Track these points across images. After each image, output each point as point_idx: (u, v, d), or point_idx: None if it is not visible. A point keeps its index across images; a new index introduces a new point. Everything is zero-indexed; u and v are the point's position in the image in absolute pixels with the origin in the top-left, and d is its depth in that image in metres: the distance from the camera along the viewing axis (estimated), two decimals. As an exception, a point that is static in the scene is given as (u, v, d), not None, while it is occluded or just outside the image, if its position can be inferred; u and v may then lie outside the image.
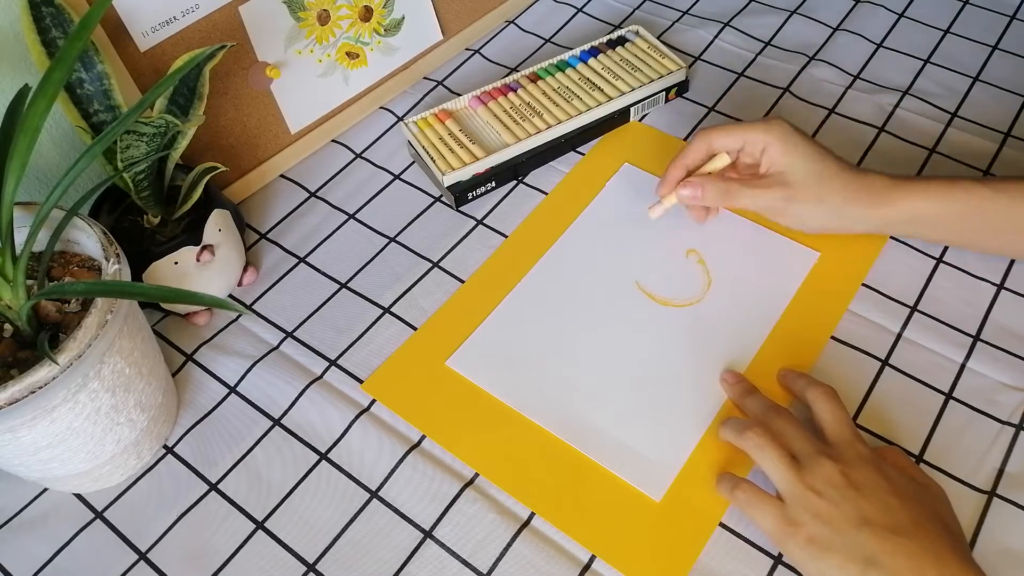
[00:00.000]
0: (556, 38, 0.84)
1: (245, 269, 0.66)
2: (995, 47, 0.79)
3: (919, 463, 0.53)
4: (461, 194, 0.69)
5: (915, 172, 0.69)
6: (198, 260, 0.60)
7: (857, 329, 0.59)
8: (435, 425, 0.57)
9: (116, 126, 0.47)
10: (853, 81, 0.76)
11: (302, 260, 0.68)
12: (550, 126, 0.71)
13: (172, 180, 0.61)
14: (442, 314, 0.63)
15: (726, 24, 0.83)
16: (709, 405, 0.56)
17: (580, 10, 0.86)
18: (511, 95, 0.74)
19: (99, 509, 0.55)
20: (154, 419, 0.55)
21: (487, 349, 0.60)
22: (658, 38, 0.80)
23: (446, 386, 0.59)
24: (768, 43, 0.81)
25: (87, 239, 0.52)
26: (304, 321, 0.63)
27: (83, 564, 0.52)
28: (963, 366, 0.57)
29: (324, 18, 0.70)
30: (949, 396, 0.56)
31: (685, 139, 0.73)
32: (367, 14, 0.73)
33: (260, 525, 0.53)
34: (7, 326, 0.50)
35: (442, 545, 0.52)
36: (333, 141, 0.76)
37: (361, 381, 0.59)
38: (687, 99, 0.76)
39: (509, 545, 0.51)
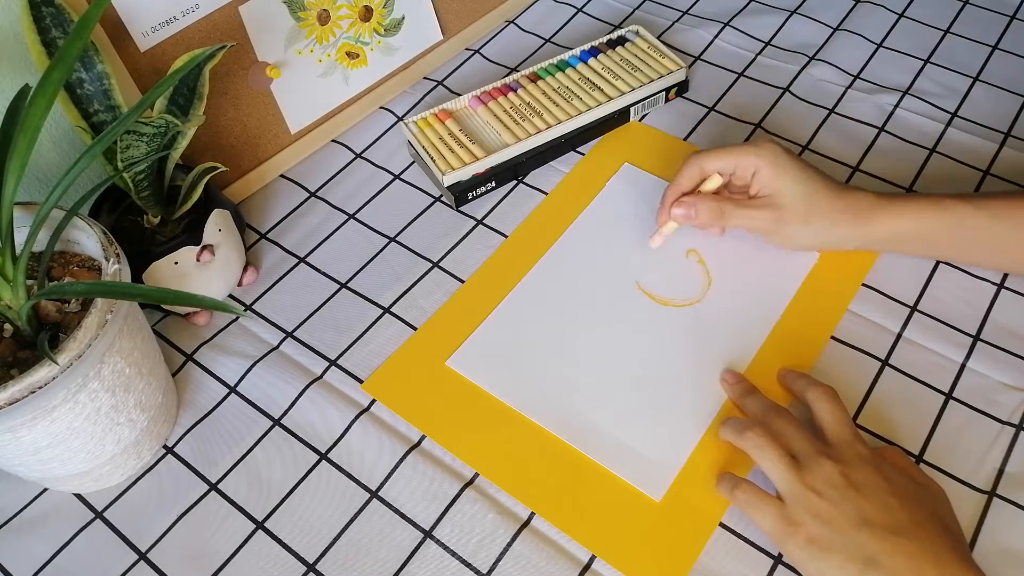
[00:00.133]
0: (556, 38, 0.84)
1: (245, 269, 0.66)
2: (995, 47, 0.79)
3: (919, 463, 0.53)
4: (461, 194, 0.69)
5: (915, 172, 0.69)
6: (198, 260, 0.60)
7: (857, 329, 0.59)
8: (435, 425, 0.57)
9: (116, 126, 0.47)
10: (853, 81, 0.76)
11: (302, 260, 0.68)
12: (550, 126, 0.71)
13: (172, 180, 0.61)
14: (442, 314, 0.63)
15: (726, 24, 0.83)
16: (709, 405, 0.56)
17: (580, 10, 0.86)
18: (511, 95, 0.74)
19: (99, 509, 0.55)
20: (154, 419, 0.55)
21: (487, 349, 0.60)
22: (658, 38, 0.80)
23: (446, 386, 0.59)
24: (768, 43, 0.81)
25: (87, 239, 0.52)
26: (304, 321, 0.63)
27: (83, 564, 0.53)
28: (963, 366, 0.57)
29: (324, 18, 0.70)
30: (949, 396, 0.56)
31: (685, 139, 0.73)
32: (367, 14, 0.73)
33: (260, 525, 0.53)
34: (7, 326, 0.50)
35: (442, 545, 0.52)
36: (333, 141, 0.76)
37: (361, 381, 0.59)
38: (687, 99, 0.76)
39: (509, 545, 0.51)
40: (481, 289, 0.64)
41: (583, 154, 0.73)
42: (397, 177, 0.73)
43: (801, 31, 0.82)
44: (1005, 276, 0.61)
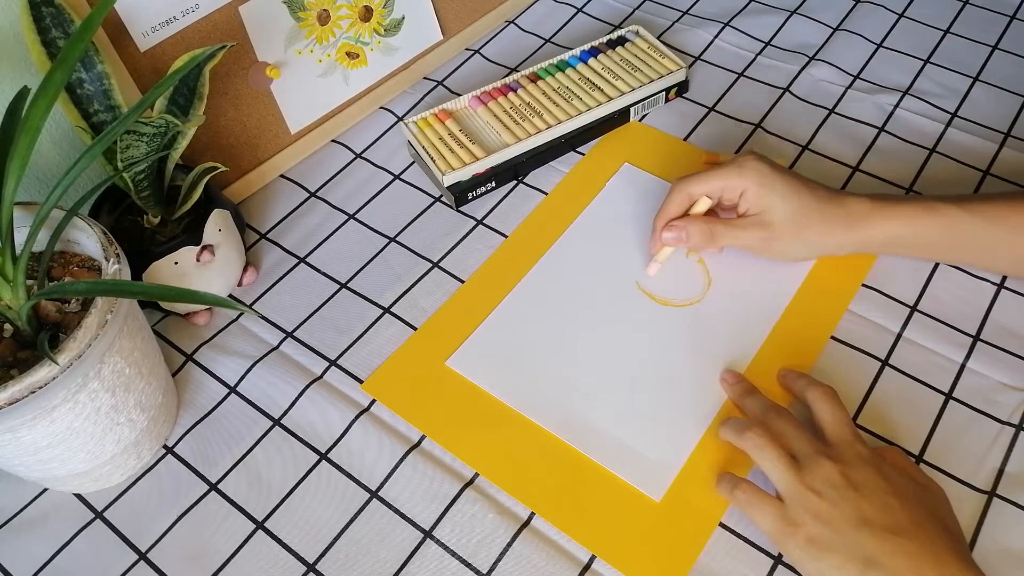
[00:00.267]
0: (556, 38, 0.84)
1: (245, 269, 0.66)
2: (995, 47, 0.79)
3: (919, 463, 0.53)
4: (461, 194, 0.69)
5: (915, 172, 0.69)
6: (198, 260, 0.60)
7: (857, 329, 0.59)
8: (435, 425, 0.57)
9: (116, 126, 0.47)
10: (853, 81, 0.76)
11: (302, 260, 0.68)
12: (550, 126, 0.71)
13: (172, 180, 0.61)
14: (442, 314, 0.63)
15: (726, 24, 0.83)
16: (709, 405, 0.56)
17: (580, 10, 0.86)
18: (511, 95, 0.74)
19: (99, 509, 0.55)
20: (154, 419, 0.55)
21: (487, 349, 0.60)
22: (658, 38, 0.81)
23: (446, 386, 0.59)
24: (768, 43, 0.81)
25: (87, 239, 0.52)
26: (304, 321, 0.63)
27: (83, 564, 0.53)
28: (963, 366, 0.57)
29: (324, 18, 0.70)
30: (949, 396, 0.56)
31: (685, 139, 0.73)
32: (367, 14, 0.73)
33: (260, 525, 0.53)
34: (7, 326, 0.50)
35: (442, 545, 0.52)
36: (333, 141, 0.76)
37: (361, 381, 0.59)
38: (687, 99, 0.76)
39: (509, 545, 0.51)
40: (481, 289, 0.64)
41: (583, 154, 0.73)
42: (397, 177, 0.73)
43: (801, 31, 0.82)
44: (1005, 276, 0.61)
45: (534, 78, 0.76)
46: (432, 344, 0.61)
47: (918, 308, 0.60)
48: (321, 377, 0.60)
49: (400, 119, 0.77)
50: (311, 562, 0.52)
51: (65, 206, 0.50)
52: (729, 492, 0.50)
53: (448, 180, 0.68)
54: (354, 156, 0.75)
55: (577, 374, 0.58)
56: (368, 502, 0.54)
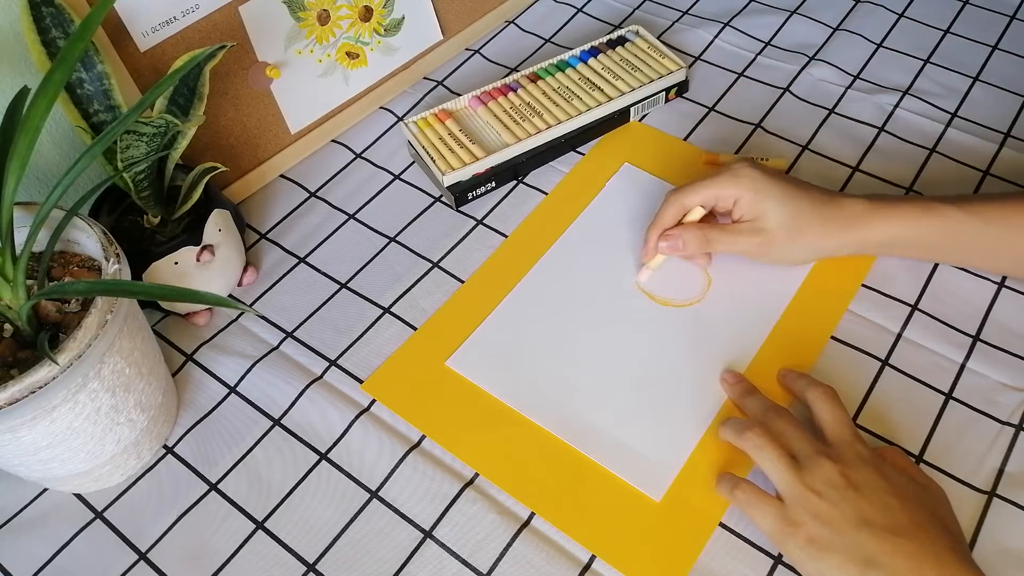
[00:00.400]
0: (556, 38, 0.84)
1: (245, 269, 0.66)
2: (995, 47, 0.79)
3: (919, 463, 0.53)
4: (461, 194, 0.69)
5: (915, 172, 0.69)
6: (198, 260, 0.60)
7: (857, 329, 0.59)
8: (435, 425, 0.57)
9: (116, 126, 0.47)
10: (853, 81, 0.76)
11: (302, 260, 0.68)
12: (550, 126, 0.71)
13: (172, 180, 0.61)
14: (442, 314, 0.63)
15: (726, 24, 0.83)
16: (709, 405, 0.56)
17: (580, 10, 0.86)
18: (511, 95, 0.74)
19: (99, 509, 0.55)
20: (154, 419, 0.55)
21: (487, 349, 0.60)
22: (658, 38, 0.81)
23: (446, 386, 0.59)
24: (768, 43, 0.81)
25: (87, 239, 0.52)
26: (304, 321, 0.63)
27: (83, 564, 0.53)
28: (963, 366, 0.57)
29: (324, 18, 0.70)
30: (949, 396, 0.56)
31: (685, 139, 0.73)
32: (367, 14, 0.73)
33: (260, 525, 0.53)
34: (7, 326, 0.50)
35: (442, 545, 0.52)
36: (333, 141, 0.76)
37: (361, 381, 0.59)
38: (687, 99, 0.76)
39: (509, 545, 0.51)
40: (481, 289, 0.64)
41: (583, 154, 0.73)
42: (397, 177, 0.73)
43: (801, 31, 0.82)
44: (1005, 276, 0.61)
45: (534, 78, 0.76)
46: (432, 344, 0.61)
47: (918, 308, 0.60)
48: (321, 377, 0.60)
49: (400, 119, 0.77)
50: (311, 562, 0.52)
51: (65, 206, 0.50)
52: (729, 492, 0.50)
53: (448, 180, 0.68)
54: (354, 156, 0.75)
55: (577, 374, 0.58)
56: (368, 502, 0.54)
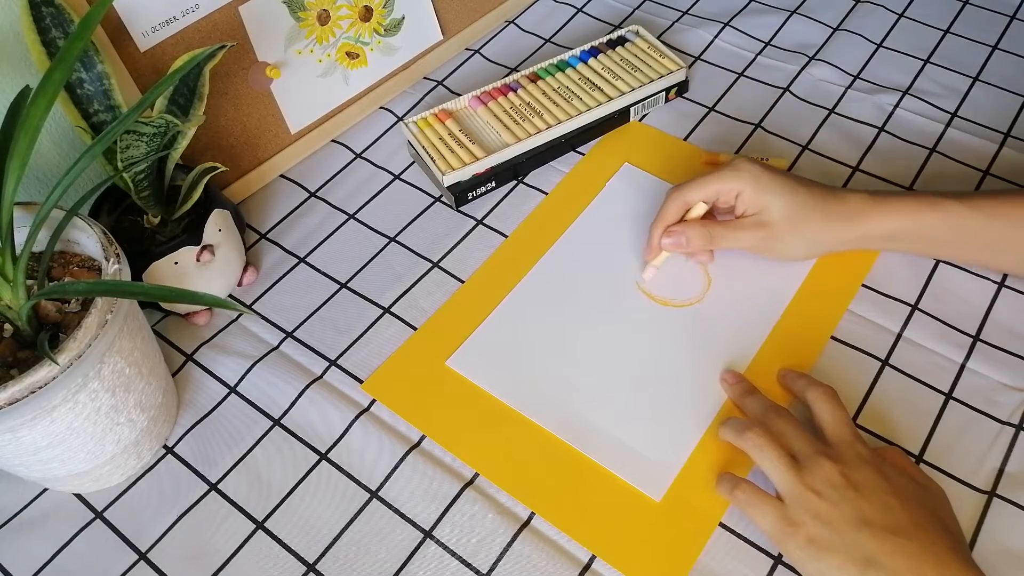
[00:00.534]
0: (556, 38, 0.84)
1: (245, 269, 0.66)
2: (995, 47, 0.79)
3: (919, 463, 0.53)
4: (461, 194, 0.69)
5: (915, 172, 0.69)
6: (198, 260, 0.60)
7: (857, 329, 0.59)
8: (435, 425, 0.57)
9: (116, 126, 0.47)
10: (853, 81, 0.76)
11: (302, 260, 0.68)
12: (550, 126, 0.71)
13: (172, 180, 0.61)
14: (442, 314, 0.63)
15: (726, 24, 0.83)
16: (709, 405, 0.56)
17: (580, 10, 0.86)
18: (511, 95, 0.74)
19: (99, 509, 0.55)
20: (154, 419, 0.55)
21: (487, 349, 0.60)
22: (658, 38, 0.81)
23: (446, 386, 0.59)
24: (768, 43, 0.81)
25: (87, 239, 0.52)
26: (304, 321, 0.63)
27: (83, 564, 0.52)
28: (963, 366, 0.57)
29: (324, 18, 0.70)
30: (949, 396, 0.56)
31: (685, 139, 0.73)
32: (367, 14, 0.73)
33: (260, 525, 0.53)
34: (7, 326, 0.50)
35: (442, 545, 0.52)
36: (333, 141, 0.76)
37: (361, 381, 0.59)
38: (687, 99, 0.76)
39: (509, 545, 0.51)
40: (481, 289, 0.64)
41: (583, 154, 0.73)
42: (397, 177, 0.73)
43: (801, 31, 0.82)
44: (1005, 275, 0.61)
45: (534, 78, 0.76)
46: (432, 344, 0.61)
47: (918, 308, 0.60)
48: (321, 377, 0.60)
49: (400, 119, 0.77)
50: (311, 562, 0.52)
51: (65, 206, 0.50)
52: (729, 492, 0.50)
53: (448, 180, 0.68)
54: (354, 156, 0.75)
55: (577, 374, 0.58)
56: (368, 502, 0.54)
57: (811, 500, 0.46)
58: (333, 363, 0.61)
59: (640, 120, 0.75)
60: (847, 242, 0.59)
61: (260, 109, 0.70)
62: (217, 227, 0.61)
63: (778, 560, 0.50)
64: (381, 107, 0.78)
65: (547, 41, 0.84)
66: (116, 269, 0.49)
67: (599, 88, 0.73)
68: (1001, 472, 0.52)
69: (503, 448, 0.55)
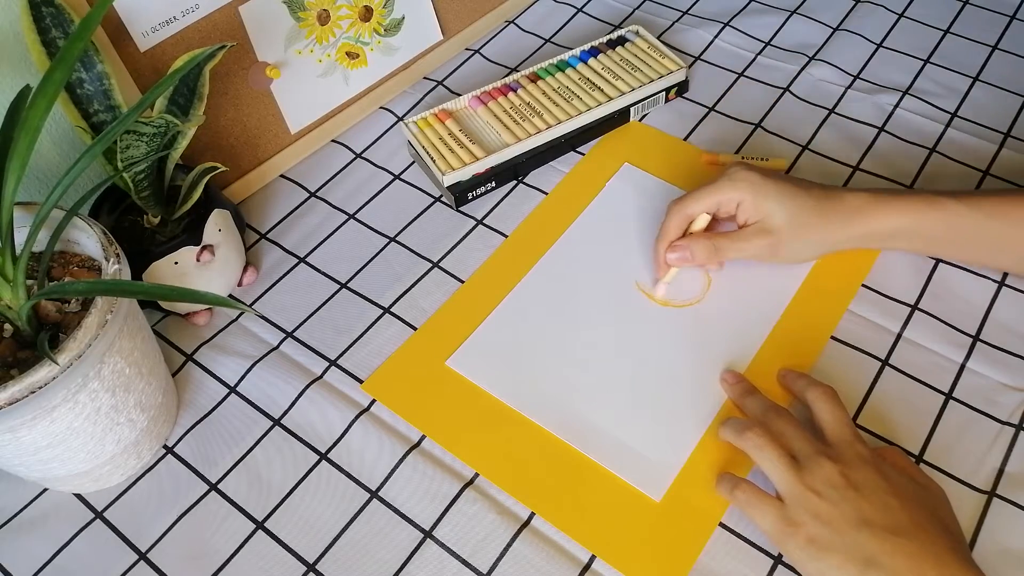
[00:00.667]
0: (556, 38, 0.84)
1: (245, 269, 0.66)
2: (995, 47, 0.79)
3: (919, 463, 0.53)
4: (461, 194, 0.69)
5: (915, 172, 0.69)
6: (198, 260, 0.60)
7: (857, 329, 0.59)
8: (435, 425, 0.57)
9: (116, 126, 0.47)
10: (853, 81, 0.76)
11: (302, 260, 0.68)
12: (550, 126, 0.71)
13: (172, 180, 0.61)
14: (442, 314, 0.63)
15: (726, 24, 0.83)
16: (709, 405, 0.56)
17: (580, 10, 0.86)
18: (511, 95, 0.74)
19: (99, 509, 0.55)
20: (154, 419, 0.55)
21: (487, 349, 0.60)
22: (658, 38, 0.81)
23: (446, 386, 0.59)
24: (768, 43, 0.81)
25: (87, 239, 0.52)
26: (304, 321, 0.63)
27: (83, 564, 0.52)
28: (963, 366, 0.57)
29: (324, 18, 0.70)
30: (949, 396, 0.56)
31: (685, 139, 0.73)
32: (367, 14, 0.73)
33: (260, 525, 0.53)
34: (7, 326, 0.50)
35: (442, 545, 0.52)
36: (333, 141, 0.76)
37: (361, 381, 0.59)
38: (687, 99, 0.76)
39: (509, 545, 0.51)
40: (481, 289, 0.64)
41: (583, 154, 0.73)
42: (397, 177, 0.73)
43: (801, 31, 0.82)
44: (1005, 275, 0.61)
45: (534, 78, 0.76)
46: (432, 344, 0.61)
47: (918, 308, 0.60)
48: (321, 377, 0.60)
49: (400, 119, 0.77)
50: (311, 562, 0.52)
51: (65, 206, 0.50)
52: (729, 492, 0.50)
53: (448, 180, 0.68)
54: (354, 156, 0.75)
55: (577, 374, 0.58)
56: (368, 502, 0.54)
57: (811, 500, 0.46)
58: (333, 363, 0.61)
59: (640, 120, 0.75)
60: (848, 241, 0.60)
61: (260, 109, 0.70)
62: (217, 227, 0.61)
63: (778, 560, 0.50)
64: (381, 107, 0.78)
65: (547, 41, 0.84)
66: (116, 269, 0.49)
67: (599, 88, 0.73)
68: (1001, 472, 0.52)
69: (503, 448, 0.55)
